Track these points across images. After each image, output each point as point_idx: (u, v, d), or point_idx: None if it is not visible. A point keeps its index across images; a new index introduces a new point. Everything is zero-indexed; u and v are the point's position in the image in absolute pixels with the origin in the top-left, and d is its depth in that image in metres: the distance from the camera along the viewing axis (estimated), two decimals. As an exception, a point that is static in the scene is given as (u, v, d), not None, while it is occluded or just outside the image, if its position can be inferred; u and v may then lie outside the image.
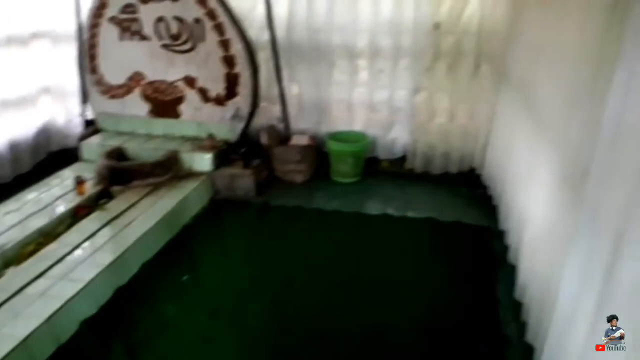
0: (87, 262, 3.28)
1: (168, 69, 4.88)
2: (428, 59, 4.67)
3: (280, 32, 4.89)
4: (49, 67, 5.22)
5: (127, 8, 4.74)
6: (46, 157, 5.27)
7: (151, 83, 4.96)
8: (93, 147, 4.88)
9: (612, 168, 1.83)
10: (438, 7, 4.50)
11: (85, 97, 5.24)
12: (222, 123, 4.91)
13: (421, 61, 4.70)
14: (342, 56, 4.92)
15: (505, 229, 3.85)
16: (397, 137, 5.14)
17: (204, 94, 4.88)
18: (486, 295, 3.34)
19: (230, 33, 4.61)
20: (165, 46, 4.81)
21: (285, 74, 5.05)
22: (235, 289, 3.41)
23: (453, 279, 3.51)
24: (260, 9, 4.83)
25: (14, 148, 4.82)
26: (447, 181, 5.03)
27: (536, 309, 2.73)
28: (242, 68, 4.72)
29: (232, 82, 4.78)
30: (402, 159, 5.20)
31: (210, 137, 4.92)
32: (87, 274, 3.14)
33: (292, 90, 5.16)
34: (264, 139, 5.04)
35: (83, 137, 5.08)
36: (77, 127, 5.38)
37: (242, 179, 4.67)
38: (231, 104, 4.86)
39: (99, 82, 5.05)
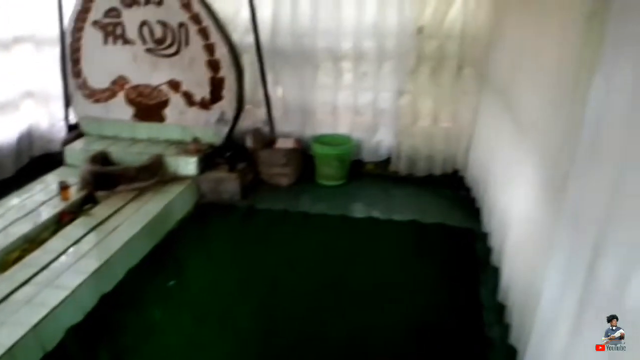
0: (72, 268, 3.27)
1: (152, 73, 4.86)
2: (412, 63, 4.73)
3: (264, 35, 4.90)
4: (31, 71, 5.18)
5: (111, 12, 4.73)
6: (29, 162, 5.24)
7: (135, 87, 4.94)
8: (77, 152, 4.85)
9: (592, 172, 1.86)
10: (421, 12, 4.57)
11: (68, 101, 5.20)
12: (207, 127, 4.91)
13: (405, 64, 4.76)
14: (327, 59, 4.96)
15: (489, 231, 3.90)
16: (381, 139, 5.19)
17: (188, 97, 4.88)
18: (470, 297, 3.39)
19: (215, 37, 4.62)
20: (149, 50, 4.80)
21: (269, 77, 5.07)
22: (221, 293, 3.42)
23: (437, 282, 3.56)
24: (245, 13, 4.84)
25: (-4, 153, 4.78)
26: (431, 183, 5.09)
27: (519, 311, 2.77)
28: (226, 72, 4.73)
29: (216, 86, 4.79)
30: (387, 161, 5.25)
31: (195, 141, 4.91)
32: (73, 280, 3.12)
33: (277, 93, 5.18)
34: (249, 143, 5.05)
35: (66, 142, 5.04)
36: (61, 131, 5.34)
37: (228, 183, 4.68)
38: (216, 108, 4.86)
39: (83, 86, 5.02)
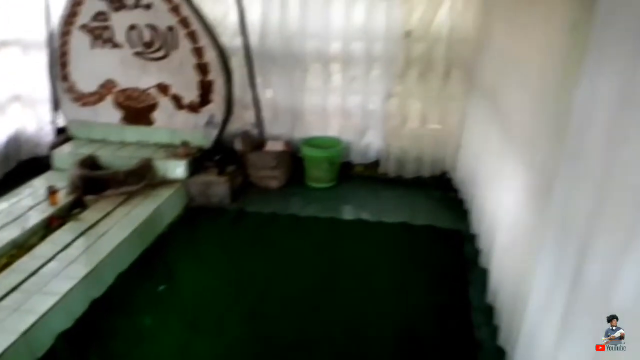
0: (61, 274, 3.26)
1: (141, 77, 4.86)
2: (400, 66, 4.77)
3: (253, 38, 4.91)
4: (19, 75, 5.15)
5: (99, 16, 4.71)
6: (16, 166, 5.21)
7: (124, 90, 4.93)
8: (65, 156, 4.83)
9: (577, 176, 1.89)
10: (409, 15, 4.60)
11: (56, 105, 5.17)
12: (196, 130, 4.91)
13: (393, 67, 4.79)
14: (316, 62, 4.97)
15: (477, 232, 3.94)
16: (370, 142, 5.22)
17: (177, 101, 4.88)
18: (459, 299, 3.42)
19: (204, 41, 4.63)
20: (138, 54, 4.79)
21: (259, 80, 5.08)
22: (212, 297, 3.42)
23: (427, 283, 3.59)
24: (233, 16, 4.85)
25: (-17, 157, 4.76)
26: (420, 185, 5.13)
27: (507, 312, 2.80)
28: (215, 75, 4.74)
29: (205, 89, 4.80)
30: (376, 163, 5.28)
31: (184, 144, 4.91)
32: (62, 286, 3.12)
33: (266, 96, 5.19)
34: (238, 145, 5.05)
35: (54, 146, 5.02)
36: (48, 135, 5.31)
37: (217, 186, 4.68)
38: (205, 111, 4.87)
39: (71, 90, 5.00)
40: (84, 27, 4.77)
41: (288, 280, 3.61)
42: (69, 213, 4.06)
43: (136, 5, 4.62)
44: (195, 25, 4.60)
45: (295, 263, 3.82)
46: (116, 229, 3.83)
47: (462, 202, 4.59)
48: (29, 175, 4.68)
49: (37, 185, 4.43)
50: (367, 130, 5.16)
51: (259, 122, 5.22)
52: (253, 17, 4.86)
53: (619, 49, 1.61)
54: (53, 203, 4.08)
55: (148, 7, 4.60)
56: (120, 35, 4.76)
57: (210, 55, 4.67)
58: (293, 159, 5.21)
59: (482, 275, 3.48)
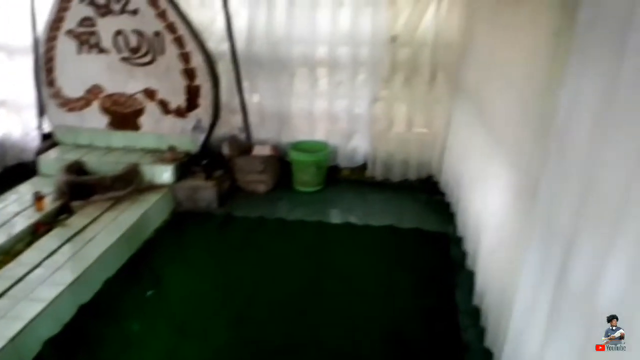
0: (48, 280, 3.25)
1: (127, 82, 4.85)
2: (386, 70, 4.82)
3: (240, 43, 4.94)
4: (4, 80, 5.12)
5: (85, 21, 4.70)
6: (2, 171, 5.18)
7: (110, 96, 4.92)
8: (51, 161, 4.81)
9: (561, 178, 1.93)
10: (395, 21, 4.65)
11: (42, 110, 5.15)
12: (183, 135, 4.92)
13: (379, 72, 4.85)
14: (302, 67, 5.01)
15: (463, 235, 3.98)
16: (357, 145, 5.26)
17: (164, 106, 4.88)
18: (446, 301, 3.45)
19: (190, 46, 4.64)
20: (124, 59, 4.78)
21: (246, 84, 5.11)
22: (200, 302, 3.43)
23: (414, 286, 3.62)
24: (220, 22, 4.87)
25: (-32, 163, 4.72)
26: (406, 188, 5.17)
27: (494, 314, 2.83)
28: (202, 80, 4.75)
29: (192, 94, 4.80)
30: (363, 167, 5.32)
31: (171, 149, 4.92)
32: (49, 293, 3.10)
33: (253, 100, 5.21)
34: (225, 150, 5.06)
35: (40, 151, 4.99)
36: (34, 140, 5.29)
37: (204, 191, 4.69)
38: (192, 116, 4.87)
39: (56, 95, 4.98)
40: (70, 32, 4.76)
41: (275, 285, 3.62)
42: (56, 219, 4.04)
43: (122, 11, 4.62)
44: (182, 31, 4.60)
45: (283, 267, 3.84)
46: (103, 234, 3.82)
47: (448, 205, 4.63)
48: (15, 181, 4.65)
49: (23, 191, 4.41)
50: (354, 134, 5.21)
51: (246, 126, 5.24)
52: (240, 23, 4.89)
53: (600, 54, 1.65)
54: (39, 209, 4.07)
55: (134, 12, 4.61)
56: (106, 41, 4.75)
57: (197, 61, 4.68)
58: (280, 163, 5.24)
59: (468, 277, 3.52)
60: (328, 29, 4.79)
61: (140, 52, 4.73)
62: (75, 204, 4.21)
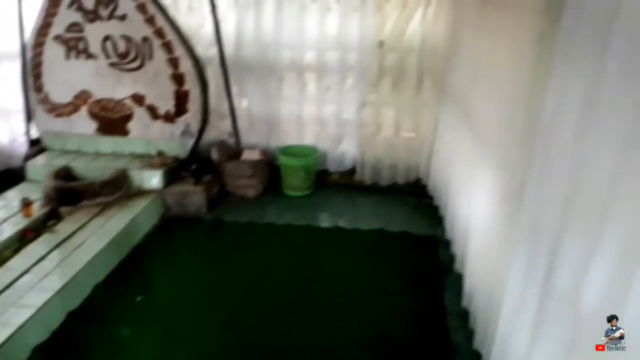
0: (37, 287, 3.23)
1: (116, 87, 4.85)
2: (373, 75, 4.86)
3: (229, 48, 4.95)
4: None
5: (73, 27, 4.70)
6: (-11, 178, 5.13)
7: (98, 101, 4.91)
8: (39, 167, 4.78)
9: (546, 181, 1.96)
10: (382, 26, 4.70)
11: (29, 116, 5.12)
12: (172, 140, 4.92)
13: (367, 77, 4.89)
14: (291, 72, 5.04)
15: (451, 238, 4.01)
16: (346, 150, 5.29)
17: (152, 111, 4.88)
18: (435, 304, 3.48)
19: (179, 51, 4.65)
20: (112, 64, 4.78)
21: (234, 89, 5.12)
22: (189, 307, 3.42)
23: (403, 289, 3.64)
24: (208, 27, 4.88)
25: (-45, 169, 4.69)
26: (395, 192, 5.21)
27: (482, 316, 2.85)
28: (191, 85, 4.76)
29: (181, 99, 4.81)
30: (352, 171, 5.35)
31: (160, 154, 4.91)
32: (38, 299, 3.09)
33: (242, 105, 5.23)
34: (214, 155, 5.07)
35: (28, 157, 4.97)
36: (22, 146, 5.25)
37: (193, 196, 4.69)
38: (181, 121, 4.88)
39: (44, 101, 4.96)
40: (58, 37, 4.75)
41: (265, 289, 3.63)
42: (44, 225, 4.02)
43: (111, 16, 4.62)
44: (171, 36, 4.61)
45: (273, 271, 3.84)
46: (92, 240, 3.81)
47: (436, 208, 4.67)
48: (2, 187, 4.62)
49: (11, 197, 4.38)
50: (343, 139, 5.24)
51: (235, 131, 5.25)
52: (228, 28, 4.91)
53: (582, 57, 1.69)
54: (27, 215, 4.05)
55: (123, 18, 4.61)
56: (95, 46, 4.74)
57: (186, 66, 4.69)
58: (269, 167, 5.25)
59: (457, 280, 3.55)
60: (316, 34, 4.82)
61: (128, 57, 4.73)
62: (63, 209, 4.20)
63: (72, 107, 4.96)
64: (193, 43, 4.82)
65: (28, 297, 3.13)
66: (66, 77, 4.87)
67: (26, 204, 4.08)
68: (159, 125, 4.91)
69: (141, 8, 4.56)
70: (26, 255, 3.59)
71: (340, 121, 5.15)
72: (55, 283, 3.27)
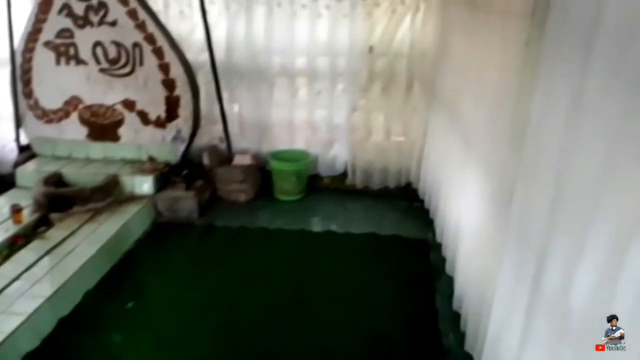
0: (27, 294, 3.22)
1: (106, 93, 4.84)
2: (364, 80, 4.90)
3: (220, 54, 4.96)
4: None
5: (63, 33, 4.69)
6: (-21, 184, 5.09)
7: (89, 107, 4.90)
8: (29, 173, 4.76)
9: (534, 185, 1.98)
10: (371, 32, 4.75)
11: (19, 122, 5.09)
12: (163, 145, 4.91)
13: (357, 82, 4.93)
14: (282, 77, 5.06)
15: (442, 241, 4.04)
16: (337, 154, 5.32)
17: (143, 116, 4.87)
18: (426, 307, 3.50)
19: (170, 57, 4.65)
20: (103, 70, 4.78)
21: (225, 94, 5.13)
22: (181, 313, 3.42)
23: (395, 292, 3.66)
24: (199, 33, 4.89)
25: (-56, 176, 4.65)
26: (386, 196, 5.23)
27: (473, 319, 2.87)
28: (182, 91, 4.76)
29: (172, 105, 4.81)
30: (343, 175, 5.38)
31: (151, 159, 4.91)
32: (28, 306, 3.07)
33: (233, 110, 5.24)
34: (206, 160, 5.07)
35: (18, 163, 4.94)
36: (12, 152, 5.22)
37: (185, 201, 4.68)
38: (172, 126, 4.87)
39: (34, 107, 4.94)
40: (48, 43, 4.74)
41: (258, 294, 3.63)
42: (34, 231, 4.00)
43: (101, 22, 4.62)
44: (161, 42, 4.62)
45: (265, 276, 3.85)
46: (83, 246, 3.80)
47: (427, 211, 4.69)
48: (-8, 193, 4.60)
49: (1, 204, 4.35)
50: (334, 143, 5.27)
51: (226, 136, 5.25)
52: (219, 34, 4.93)
53: (568, 62, 1.72)
54: (17, 222, 4.02)
55: (113, 24, 4.61)
56: (85, 52, 4.74)
57: (177, 71, 4.70)
58: (261, 172, 5.26)
59: (448, 282, 3.57)
60: (306, 39, 4.86)
61: (119, 63, 4.73)
62: (54, 216, 4.18)
63: (62, 113, 4.94)
64: (184, 49, 4.82)
65: (18, 304, 3.11)
66: (56, 83, 4.86)
67: (16, 210, 4.05)
68: (150, 130, 4.91)
69: (132, 14, 4.57)
70: (16, 262, 3.57)
71: (331, 126, 5.17)
72: (45, 290, 3.26)
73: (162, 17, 4.77)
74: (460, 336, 3.06)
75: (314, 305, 3.52)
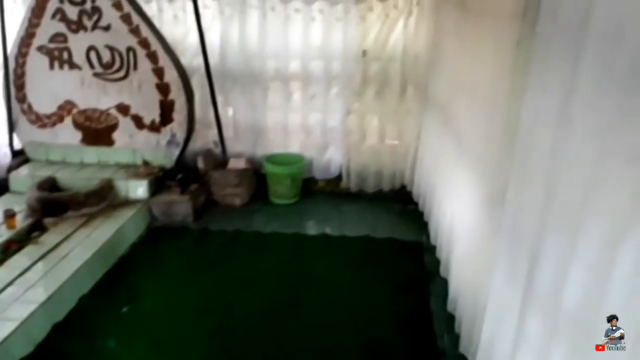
0: (20, 299, 3.20)
1: (100, 97, 4.83)
2: (357, 84, 4.92)
3: (214, 58, 4.97)
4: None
5: (56, 37, 4.68)
6: (-29, 190, 5.07)
7: (83, 111, 4.89)
8: (22, 178, 4.74)
9: (526, 186, 1.99)
10: (365, 36, 4.78)
11: (12, 127, 5.08)
12: (157, 149, 4.91)
13: (351, 86, 4.94)
14: (276, 81, 5.07)
15: (436, 243, 4.04)
16: (331, 157, 5.33)
17: (138, 121, 4.87)
18: (421, 309, 3.51)
19: (164, 61, 4.65)
20: (97, 75, 4.77)
21: (220, 98, 5.13)
22: (177, 317, 3.41)
23: (390, 295, 3.67)
24: (193, 37, 4.90)
25: (-64, 181, 4.63)
26: (380, 199, 5.24)
27: (467, 320, 2.88)
28: (176, 95, 4.76)
29: (166, 109, 4.80)
30: (338, 178, 5.38)
31: (146, 164, 4.90)
32: (22, 312, 3.06)
33: (228, 114, 5.24)
34: (200, 164, 5.07)
35: (11, 168, 4.92)
36: (5, 157, 5.20)
37: (180, 205, 4.68)
38: (166, 130, 4.87)
39: (28, 111, 4.93)
40: (41, 48, 4.73)
41: (253, 297, 3.63)
42: (28, 236, 3.98)
43: (95, 27, 4.62)
44: (155, 46, 4.62)
45: (260, 280, 3.85)
46: (77, 251, 3.79)
47: (421, 214, 4.70)
48: (-15, 199, 4.58)
49: (-6, 209, 4.34)
50: (328, 147, 5.28)
51: (221, 140, 5.25)
52: (213, 38, 4.94)
53: (558, 63, 1.73)
54: (10, 227, 4.00)
55: (107, 28, 4.61)
56: (79, 57, 4.73)
57: (171, 75, 4.70)
58: (256, 176, 5.26)
59: (442, 284, 3.57)
60: (300, 43, 4.87)
61: (113, 67, 4.73)
62: (48, 221, 4.16)
63: (56, 118, 4.93)
64: (178, 53, 4.83)
65: (12, 310, 3.10)
66: (50, 87, 4.85)
67: (9, 215, 4.03)
68: (144, 134, 4.90)
69: (126, 18, 4.57)
70: (10, 267, 3.56)
71: (326, 129, 5.18)
72: (39, 295, 3.24)
73: (156, 22, 4.78)
74: (455, 338, 3.07)
75: (309, 308, 3.52)
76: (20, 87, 4.87)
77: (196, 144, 5.22)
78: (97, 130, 4.94)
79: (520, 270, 1.99)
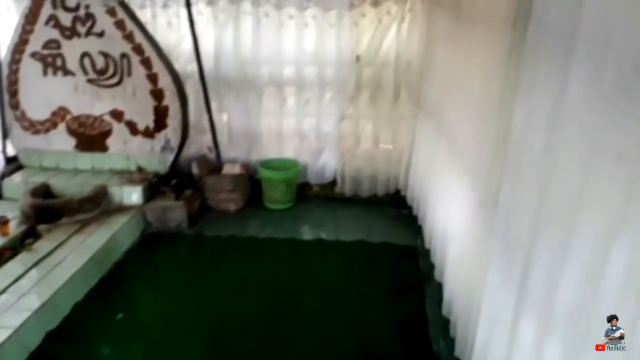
0: (14, 307, 3.19)
1: (94, 103, 4.83)
2: (351, 89, 4.94)
3: (208, 64, 4.98)
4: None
5: (50, 44, 4.68)
6: (-36, 196, 5.04)
7: (77, 118, 4.88)
8: (16, 185, 4.73)
9: (518, 190, 2.00)
10: (358, 41, 4.80)
11: (5, 133, 5.06)
12: (151, 155, 4.91)
13: (345, 91, 4.96)
14: (270, 87, 5.08)
15: (430, 247, 4.05)
16: (326, 162, 5.34)
17: (132, 127, 4.87)
18: (416, 313, 3.52)
19: (158, 67, 4.66)
20: (91, 81, 4.77)
21: (214, 104, 5.14)
22: (171, 323, 3.40)
23: (385, 299, 3.67)
24: (187, 43, 4.91)
25: None
26: (375, 203, 5.26)
27: (462, 324, 2.89)
28: (170, 100, 4.76)
29: (160, 115, 4.81)
30: (332, 183, 5.39)
31: (140, 169, 4.90)
32: (15, 319, 3.04)
33: (222, 119, 5.25)
34: (195, 169, 5.07)
35: (5, 175, 4.90)
36: (-2, 164, 5.19)
37: (174, 211, 4.67)
38: (161, 136, 4.87)
39: (21, 118, 4.92)
40: (35, 54, 4.73)
41: (248, 303, 3.63)
42: (21, 244, 3.96)
43: (88, 33, 4.62)
44: (149, 52, 4.63)
45: (256, 285, 3.85)
46: (71, 258, 3.77)
47: (415, 218, 4.72)
48: (-22, 206, 4.55)
49: (-13, 217, 4.31)
50: (323, 152, 5.29)
51: (215, 145, 5.26)
52: (207, 44, 4.94)
53: (549, 69, 1.75)
54: (4, 234, 3.98)
55: (101, 34, 4.61)
56: (72, 63, 4.73)
57: (165, 81, 4.70)
58: (250, 181, 5.27)
59: (437, 288, 3.58)
60: (294, 49, 4.89)
61: (107, 73, 4.73)
62: (41, 227, 4.14)
63: (49, 124, 4.92)
64: (172, 59, 4.83)
65: (5, 318, 3.08)
66: (43, 93, 4.84)
67: (3, 222, 4.02)
68: (138, 140, 4.90)
69: (119, 25, 4.58)
70: (3, 275, 3.54)
71: (320, 134, 5.20)
72: (33, 302, 3.23)
73: (150, 28, 4.78)
74: (450, 341, 3.07)
75: (305, 313, 3.52)
76: (14, 93, 4.86)
77: (190, 150, 5.22)
78: (91, 137, 4.94)
79: (514, 272, 2.00)
